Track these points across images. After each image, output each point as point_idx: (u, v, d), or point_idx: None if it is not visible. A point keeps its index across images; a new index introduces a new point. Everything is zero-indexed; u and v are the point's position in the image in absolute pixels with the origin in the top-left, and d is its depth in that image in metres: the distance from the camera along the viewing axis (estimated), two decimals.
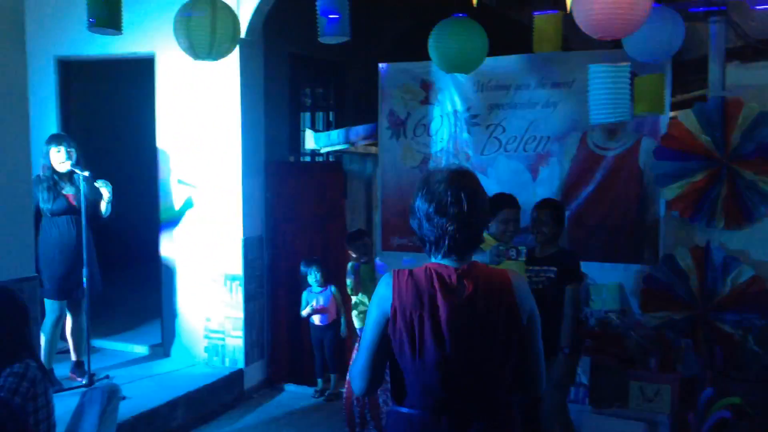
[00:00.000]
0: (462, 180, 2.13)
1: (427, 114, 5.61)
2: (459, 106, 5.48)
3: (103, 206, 5.28)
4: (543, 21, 4.76)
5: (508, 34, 6.01)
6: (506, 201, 4.19)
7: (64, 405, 3.60)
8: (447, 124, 5.55)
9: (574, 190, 5.30)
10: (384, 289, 2.16)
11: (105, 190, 5.21)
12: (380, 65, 5.69)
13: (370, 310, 2.20)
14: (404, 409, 2.17)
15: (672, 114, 5.15)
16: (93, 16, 3.74)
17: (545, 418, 4.22)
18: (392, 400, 2.24)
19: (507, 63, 5.37)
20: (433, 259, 2.19)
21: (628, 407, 4.69)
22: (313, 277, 5.72)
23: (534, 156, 5.31)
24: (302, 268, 5.77)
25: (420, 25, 5.82)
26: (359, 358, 2.21)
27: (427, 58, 5.06)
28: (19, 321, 3.29)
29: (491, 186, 5.38)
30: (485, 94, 5.40)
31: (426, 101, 5.60)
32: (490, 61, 4.93)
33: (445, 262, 2.15)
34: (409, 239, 5.66)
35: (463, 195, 2.10)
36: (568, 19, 3.71)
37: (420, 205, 2.15)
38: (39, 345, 4.70)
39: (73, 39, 5.98)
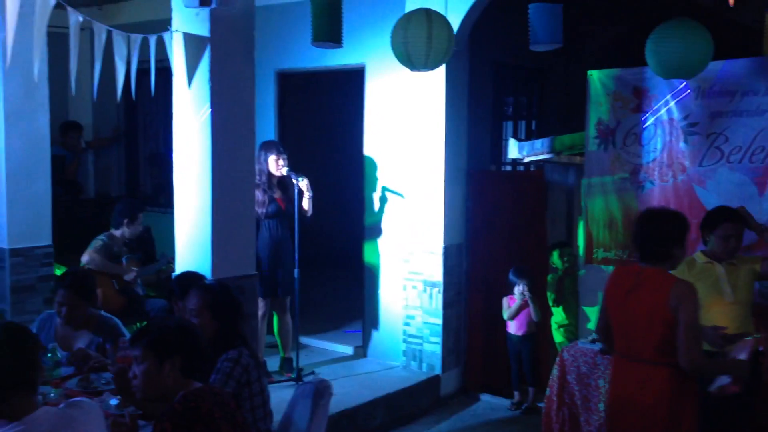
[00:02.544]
0: (647, 215, 3.44)
1: (639, 122, 5.32)
2: (675, 114, 5.14)
3: (306, 203, 5.51)
4: None
5: (727, 36, 5.56)
6: (726, 215, 3.96)
7: (274, 397, 3.82)
8: (661, 132, 5.23)
9: None
10: (608, 276, 3.55)
11: (303, 185, 5.44)
12: (589, 72, 5.49)
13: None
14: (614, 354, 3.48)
15: None
16: (316, 31, 3.96)
17: None
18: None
19: (732, 67, 4.96)
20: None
21: None
22: (520, 287, 5.64)
23: (762, 168, 4.84)
24: (511, 277, 5.71)
25: (631, 30, 5.57)
26: (599, 320, 3.61)
27: (638, 64, 4.80)
28: (234, 313, 3.57)
29: (710, 199, 5.00)
30: (706, 101, 5.02)
31: (638, 109, 5.31)
32: (712, 66, 4.58)
33: (641, 263, 3.34)
34: (615, 253, 5.40)
35: (644, 224, 3.37)
36: None
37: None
38: (254, 338, 5.04)
39: (290, 53, 6.40)
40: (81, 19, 3.53)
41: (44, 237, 5.45)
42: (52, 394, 3.26)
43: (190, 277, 3.98)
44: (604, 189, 5.42)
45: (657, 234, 3.30)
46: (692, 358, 3.14)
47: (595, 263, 5.46)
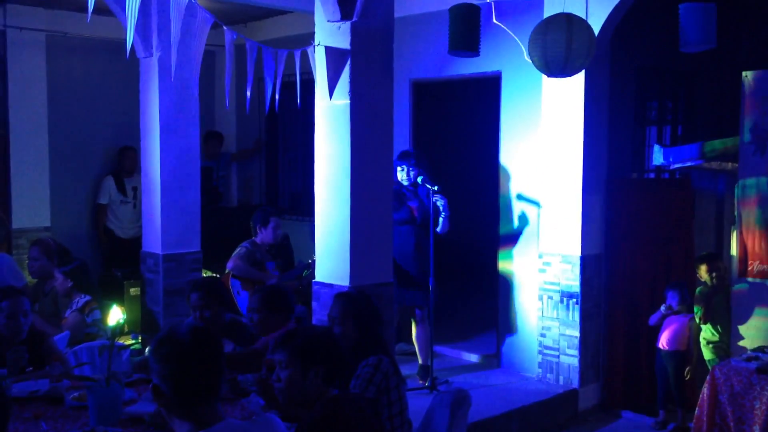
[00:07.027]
0: None
1: None
2: None
3: (438, 222, 5.55)
4: None
5: None
6: None
7: (409, 405, 3.81)
8: None
9: None
10: None
11: (439, 206, 5.49)
12: (744, 73, 5.15)
13: None
14: None
15: None
16: (453, 40, 3.96)
17: None
18: None
19: None
20: None
21: None
22: (674, 300, 5.41)
23: None
24: (667, 290, 5.50)
25: None
26: None
27: None
28: (374, 321, 3.63)
29: None
30: None
31: None
32: None
33: None
34: None
35: None
36: None
37: None
38: (393, 344, 5.08)
39: (425, 62, 6.45)
40: (234, 37, 3.70)
41: (194, 243, 5.77)
42: None
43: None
44: (761, 197, 5.06)
45: None
46: None
47: (750, 276, 5.11)
